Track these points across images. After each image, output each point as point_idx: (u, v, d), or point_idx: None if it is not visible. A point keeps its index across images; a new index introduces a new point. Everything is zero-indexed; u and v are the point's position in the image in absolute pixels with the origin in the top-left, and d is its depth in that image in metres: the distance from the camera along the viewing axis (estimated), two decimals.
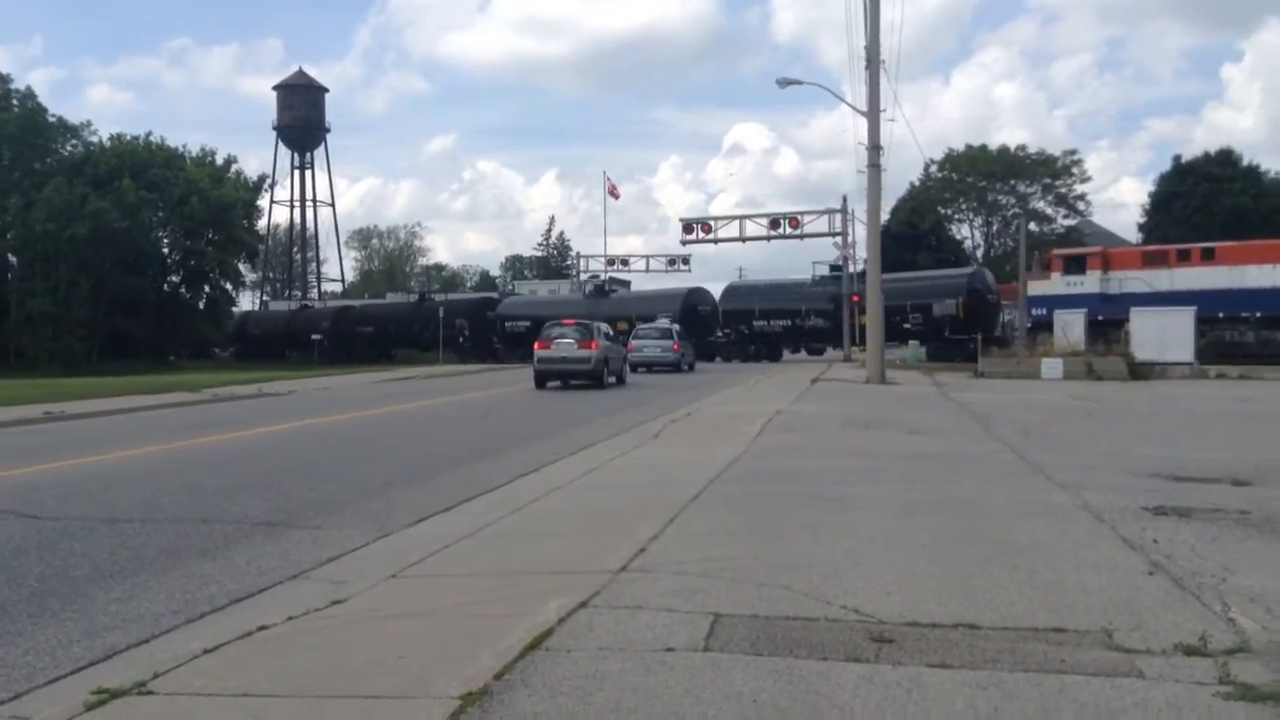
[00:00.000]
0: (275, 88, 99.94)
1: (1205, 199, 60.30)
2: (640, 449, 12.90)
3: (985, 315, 44.90)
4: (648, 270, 67.94)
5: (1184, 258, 37.89)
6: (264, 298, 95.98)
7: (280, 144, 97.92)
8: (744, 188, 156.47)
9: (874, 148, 29.41)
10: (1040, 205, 72.68)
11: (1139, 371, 30.57)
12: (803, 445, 12.75)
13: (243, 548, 7.45)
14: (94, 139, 67.18)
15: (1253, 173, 63.10)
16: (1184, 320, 32.80)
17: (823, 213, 56.61)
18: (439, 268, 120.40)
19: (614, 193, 75.37)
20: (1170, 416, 18.50)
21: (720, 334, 56.25)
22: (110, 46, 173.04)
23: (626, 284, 72.47)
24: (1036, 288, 40.57)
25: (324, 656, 4.61)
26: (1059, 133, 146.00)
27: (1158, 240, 53.67)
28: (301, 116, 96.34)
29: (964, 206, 75.08)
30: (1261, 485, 9.31)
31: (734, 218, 60.69)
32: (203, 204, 62.45)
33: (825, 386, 27.11)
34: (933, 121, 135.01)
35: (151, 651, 4.95)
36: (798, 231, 57.09)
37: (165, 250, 66.44)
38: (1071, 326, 35.47)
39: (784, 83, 33.54)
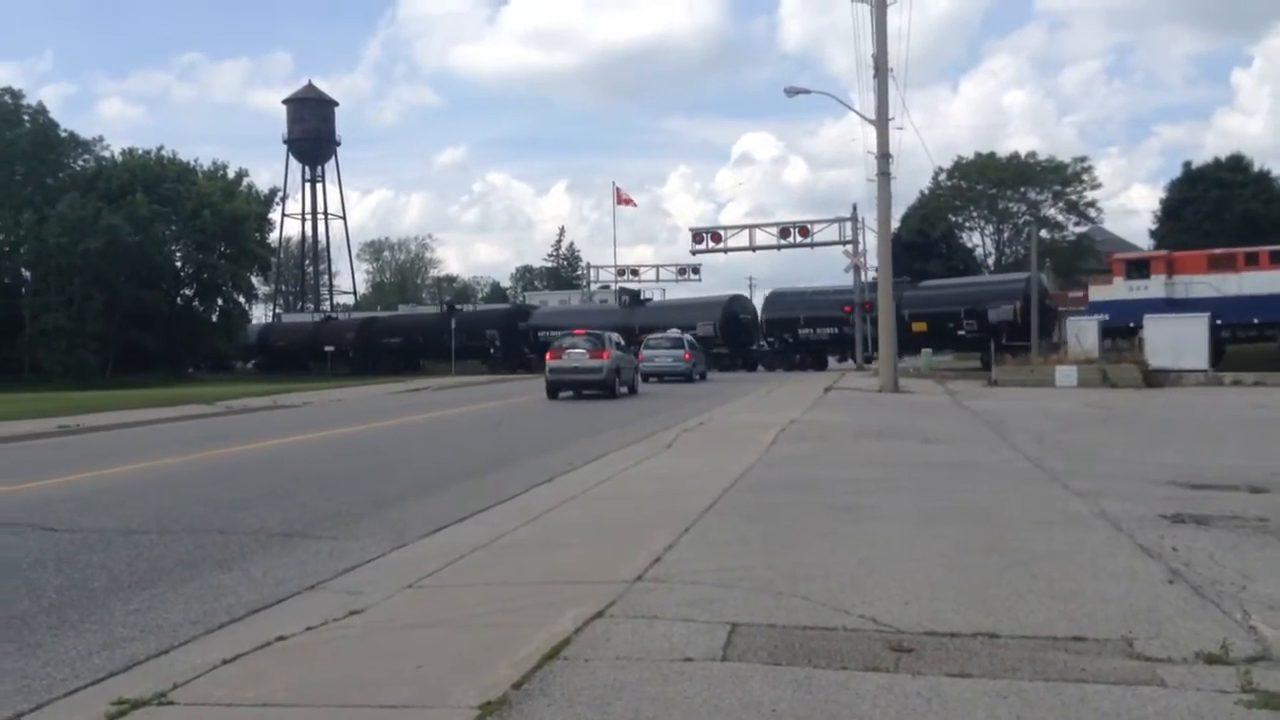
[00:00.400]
0: (285, 101, 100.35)
1: (1216, 205, 60.05)
2: (653, 459, 12.90)
3: (1043, 321, 43.81)
4: (658, 280, 67.93)
5: (1252, 261, 36.93)
6: (276, 310, 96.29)
7: (291, 157, 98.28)
8: (753, 197, 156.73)
9: (883, 156, 29.37)
10: (1051, 212, 72.43)
11: (1153, 379, 30.44)
12: (817, 454, 12.73)
13: (259, 559, 7.47)
14: (106, 154, 67.57)
15: (1264, 178, 62.79)
16: (1198, 327, 32.63)
17: (833, 221, 56.58)
18: (450, 279, 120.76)
19: (628, 201, 75.34)
20: (1186, 424, 18.41)
21: (764, 343, 55.35)
22: (122, 61, 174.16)
23: (637, 293, 72.44)
24: (1099, 293, 39.73)
25: (342, 666, 4.62)
26: (1069, 139, 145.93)
27: (1171, 246, 53.44)
28: (312, 130, 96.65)
29: (974, 214, 74.93)
30: (1279, 492, 9.25)
31: (744, 227, 60.58)
32: (215, 217, 62.69)
33: (838, 395, 27.06)
34: (942, 129, 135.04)
35: (170, 662, 4.97)
36: (808, 240, 57.02)
37: (178, 264, 66.64)
38: (1085, 333, 35.32)
39: (792, 91, 33.54)
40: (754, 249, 58.99)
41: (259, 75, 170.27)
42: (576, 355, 28.23)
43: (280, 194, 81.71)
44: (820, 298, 54.08)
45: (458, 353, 60.46)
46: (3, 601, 6.26)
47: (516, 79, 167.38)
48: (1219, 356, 34.78)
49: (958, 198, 73.60)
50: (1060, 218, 72.61)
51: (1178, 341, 31.96)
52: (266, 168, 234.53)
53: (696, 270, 65.27)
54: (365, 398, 32.77)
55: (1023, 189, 72.57)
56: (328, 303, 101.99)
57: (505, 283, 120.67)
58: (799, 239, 57.11)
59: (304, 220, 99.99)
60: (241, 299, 71.43)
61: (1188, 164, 66.58)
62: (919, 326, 47.11)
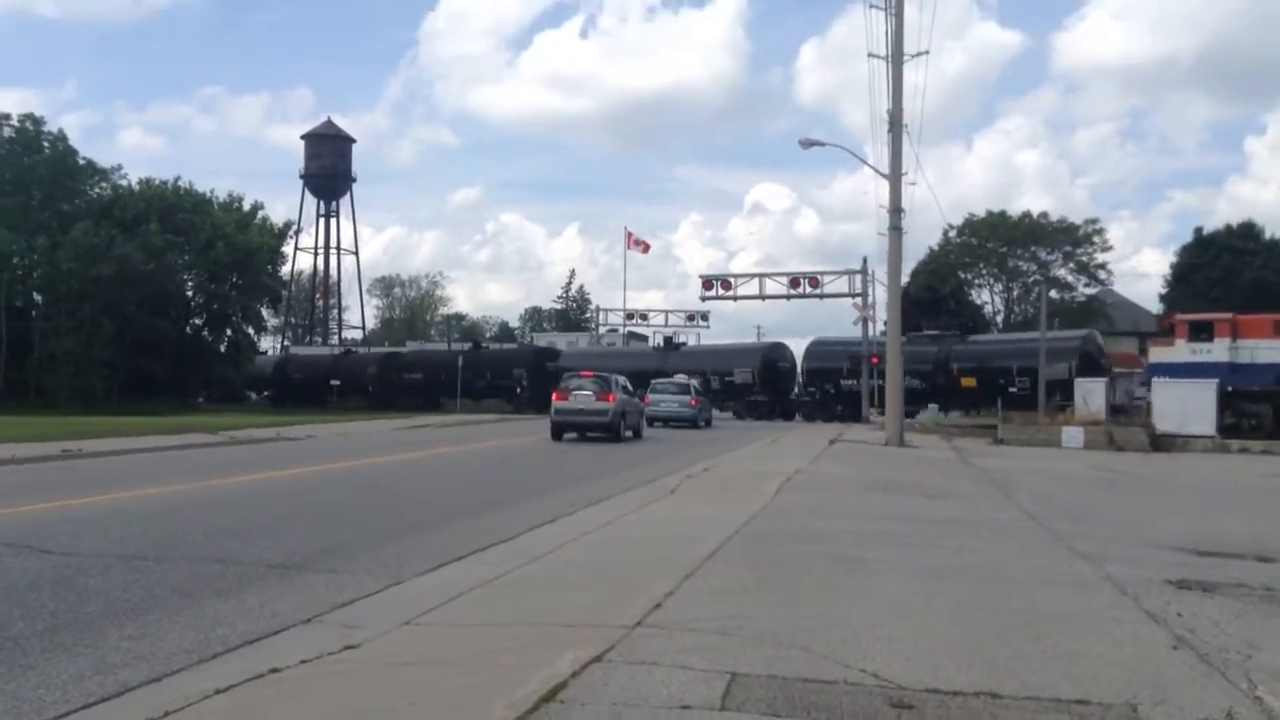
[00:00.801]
0: (303, 137, 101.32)
1: (1226, 271, 60.16)
2: (656, 504, 12.84)
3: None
4: (666, 325, 68.01)
5: None
6: (285, 343, 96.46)
7: (306, 192, 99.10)
8: (764, 247, 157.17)
9: (895, 210, 29.52)
10: (1061, 273, 72.61)
11: (1160, 443, 30.30)
12: (821, 506, 12.66)
13: (256, 589, 7.42)
14: (123, 182, 68.12)
15: (1275, 246, 62.94)
16: (1206, 392, 32.47)
17: (843, 273, 56.73)
18: (459, 317, 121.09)
19: (643, 246, 75.56)
20: (1193, 489, 18.30)
21: (804, 393, 54.27)
22: (143, 92, 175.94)
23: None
24: (1160, 354, 38.71)
25: (336, 701, 4.57)
26: (1081, 201, 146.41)
27: (1181, 311, 53.48)
28: (328, 165, 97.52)
29: (984, 272, 75.13)
30: None
31: (754, 275, 60.79)
32: (228, 249, 63.04)
33: (844, 448, 26.97)
34: (955, 186, 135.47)
35: (162, 690, 4.93)
36: (817, 291, 57.17)
37: (189, 293, 66.97)
38: (1092, 395, 35.20)
39: (807, 144, 33.79)
40: (763, 298, 59.15)
41: (278, 110, 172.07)
42: (583, 397, 28.21)
43: (294, 228, 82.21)
44: (870, 349, 51.67)
45: (482, 391, 59.80)
46: None
47: (534, 122, 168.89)
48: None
49: (968, 255, 73.82)
50: (1070, 278, 72.77)
51: (1185, 406, 31.80)
52: (282, 201, 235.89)
53: (705, 317, 65.44)
54: (370, 433, 32.73)
55: (1033, 248, 72.79)
56: (336, 337, 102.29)
57: (514, 323, 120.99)
58: (809, 289, 57.24)
59: (316, 254, 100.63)
60: (251, 330, 71.64)
61: (1199, 230, 66.85)
62: (968, 381, 46.57)
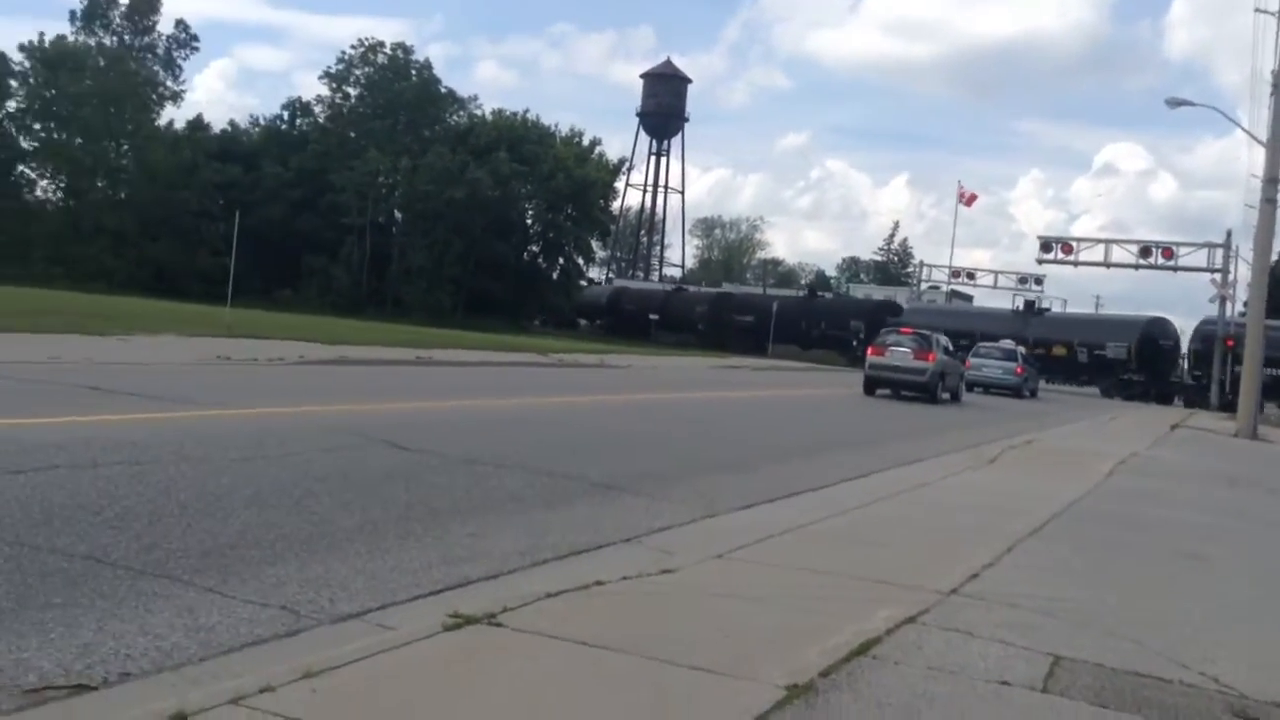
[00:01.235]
0: (642, 75, 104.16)
1: None
2: (973, 471, 12.40)
3: None
4: (995, 286, 64.93)
5: None
6: (610, 275, 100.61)
7: (641, 130, 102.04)
8: (1111, 211, 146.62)
9: (1271, 180, 26.57)
10: None
11: None
12: (1158, 493, 11.76)
13: (582, 505, 7.85)
14: (478, 112, 73.01)
15: None
16: None
17: (1201, 246, 51.86)
18: (775, 263, 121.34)
19: (968, 200, 72.42)
20: None
21: (1189, 376, 49.69)
22: (501, 26, 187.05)
23: (969, 298, 69.62)
24: None
25: (655, 620, 4.77)
26: None
27: None
28: (664, 105, 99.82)
29: None
30: None
31: (1099, 240, 56.83)
32: (567, 181, 66.35)
33: (1186, 434, 24.87)
34: None
35: (499, 587, 5.29)
36: (1170, 263, 52.61)
37: (529, 221, 71.12)
38: None
39: (1174, 103, 30.94)
40: (1108, 265, 55.14)
41: (621, 48, 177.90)
42: (900, 354, 27.50)
43: (627, 164, 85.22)
44: (1220, 329, 47.11)
45: (815, 340, 58.45)
46: (359, 507, 6.89)
47: (870, 67, 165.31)
48: None
49: None
50: None
51: None
52: (616, 137, 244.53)
53: (1039, 281, 61.82)
54: (685, 368, 33.64)
55: None
56: (657, 273, 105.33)
57: (830, 271, 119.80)
58: (1160, 261, 52.76)
59: (645, 192, 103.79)
60: (580, 260, 75.20)
61: None
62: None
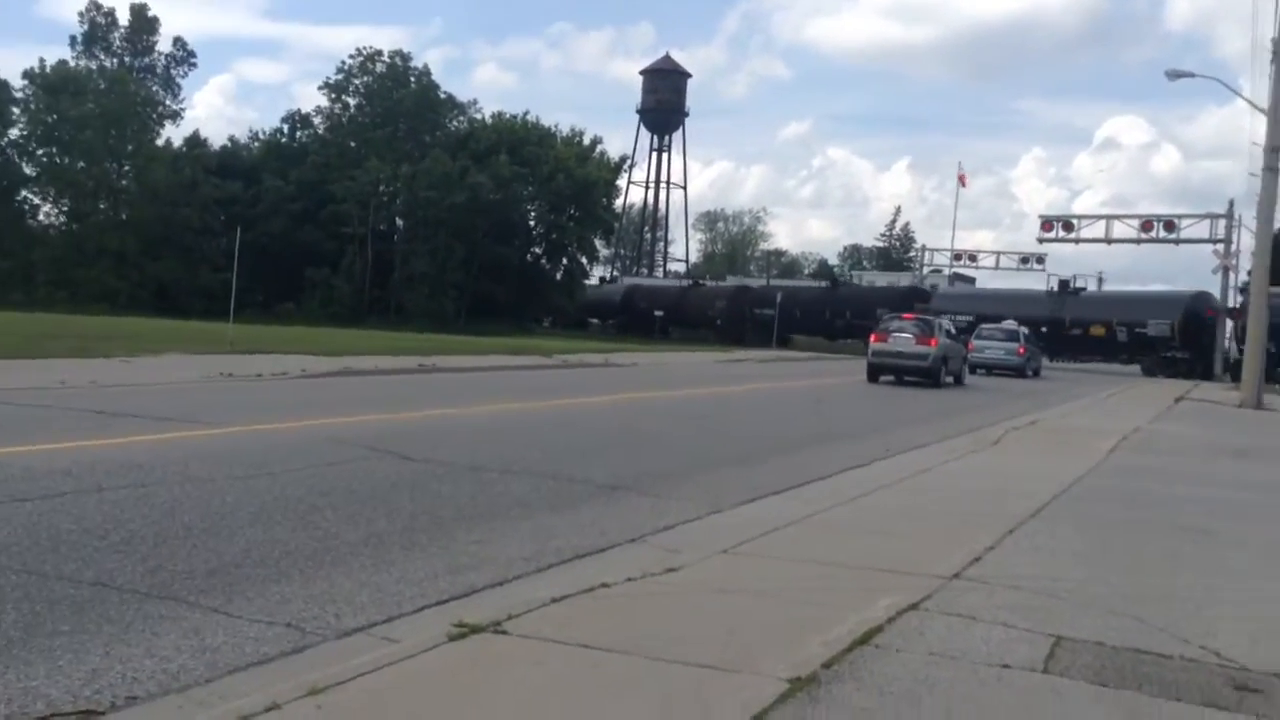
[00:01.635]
0: (642, 72, 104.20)
1: None
2: (976, 454, 12.42)
3: None
4: (997, 268, 64.67)
5: None
6: (614, 273, 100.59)
7: (641, 126, 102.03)
8: (1114, 186, 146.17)
9: (1273, 149, 26.51)
10: None
11: None
12: (1162, 468, 11.77)
13: (587, 507, 7.90)
14: (478, 116, 73.11)
15: None
16: None
17: (1203, 217, 51.68)
18: (779, 253, 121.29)
19: (962, 181, 72.39)
20: None
21: (1236, 350, 46.65)
22: (500, 28, 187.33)
23: (971, 280, 69.42)
24: None
25: (659, 620, 4.81)
26: None
27: None
28: (664, 100, 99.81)
29: None
30: None
31: (1100, 217, 56.67)
32: (568, 181, 66.38)
33: (1190, 407, 24.85)
34: None
35: (505, 594, 5.34)
36: (1172, 236, 52.38)
37: (531, 223, 71.16)
38: None
39: (1174, 75, 30.91)
40: (1109, 241, 55.01)
41: (620, 45, 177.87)
42: (902, 339, 27.52)
43: (629, 162, 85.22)
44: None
45: (840, 330, 57.34)
46: (365, 519, 6.95)
47: (870, 53, 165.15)
48: None
49: None
50: None
51: None
52: (617, 134, 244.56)
53: (1041, 260, 61.60)
54: (689, 364, 33.67)
55: None
56: (661, 269, 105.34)
57: (833, 260, 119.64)
58: (1162, 234, 52.58)
59: (647, 188, 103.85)
60: (584, 260, 75.20)
61: None
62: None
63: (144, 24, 69.73)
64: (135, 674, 3.98)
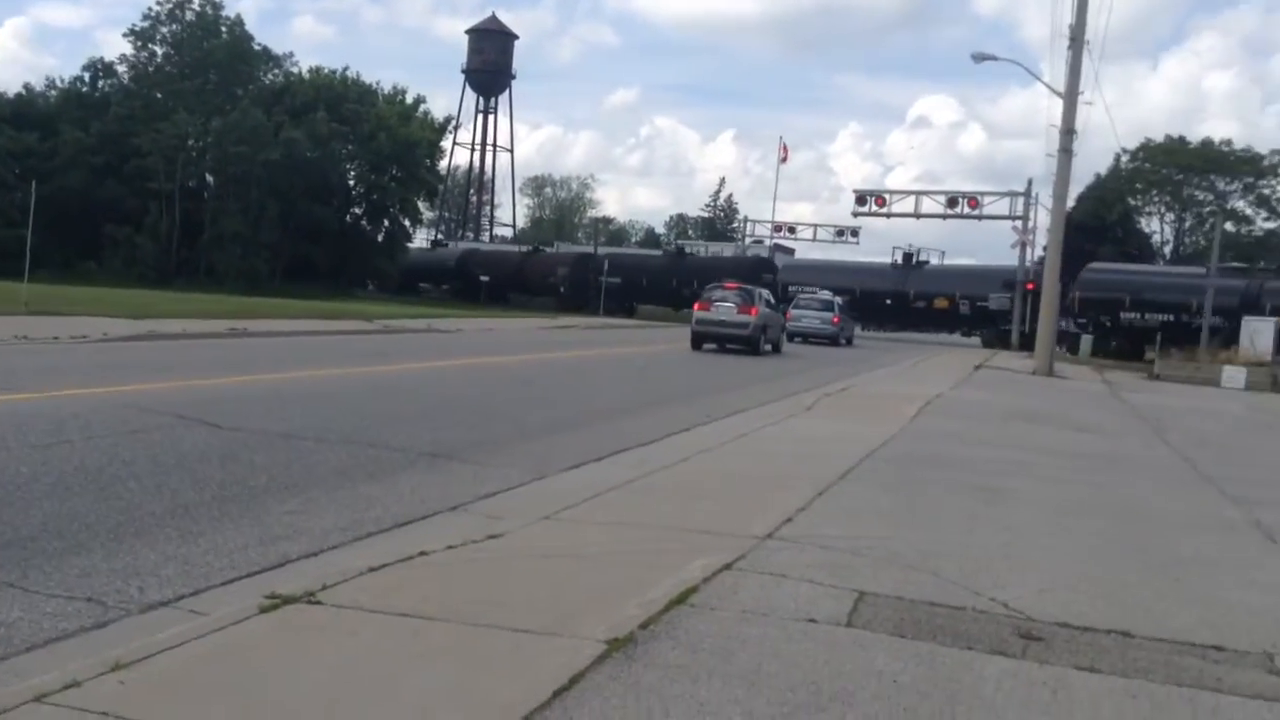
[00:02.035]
0: (467, 31, 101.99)
1: None
2: (792, 419, 12.87)
3: None
4: (814, 239, 67.01)
5: None
6: (438, 236, 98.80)
7: (467, 87, 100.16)
8: (924, 162, 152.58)
9: (1067, 132, 28.27)
10: (1240, 205, 68.43)
11: None
12: (961, 432, 12.48)
13: (407, 475, 7.81)
14: (294, 70, 70.29)
15: None
16: None
17: (1004, 194, 54.79)
18: (607, 221, 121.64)
19: (784, 154, 74.28)
20: None
21: (1074, 324, 48.20)
22: None
23: (791, 251, 71.34)
24: None
25: (479, 587, 4.82)
26: (1270, 129, 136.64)
27: None
28: (490, 61, 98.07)
29: (1155, 199, 71.24)
30: None
31: (910, 193, 59.35)
32: (390, 140, 64.67)
33: (988, 374, 26.38)
34: (1133, 108, 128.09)
35: (320, 564, 5.24)
36: (976, 212, 55.42)
37: (351, 183, 69.09)
38: (1260, 335, 33.35)
39: (979, 58, 32.54)
40: (918, 216, 57.72)
41: (446, 3, 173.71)
42: (725, 309, 28.17)
43: (454, 123, 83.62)
44: (1158, 281, 47.29)
45: (686, 300, 56.25)
46: (170, 490, 6.68)
47: (697, 24, 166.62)
48: None
49: (1139, 181, 70.05)
50: (1249, 211, 68.52)
51: None
52: (442, 94, 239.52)
53: (855, 233, 64.07)
54: (516, 330, 33.53)
55: (1211, 177, 68.59)
56: (488, 234, 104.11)
57: (660, 229, 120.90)
58: (967, 210, 55.44)
59: (473, 150, 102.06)
60: (407, 222, 73.55)
61: None
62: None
63: None
64: None
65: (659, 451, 9.65)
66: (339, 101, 65.06)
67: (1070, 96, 28.16)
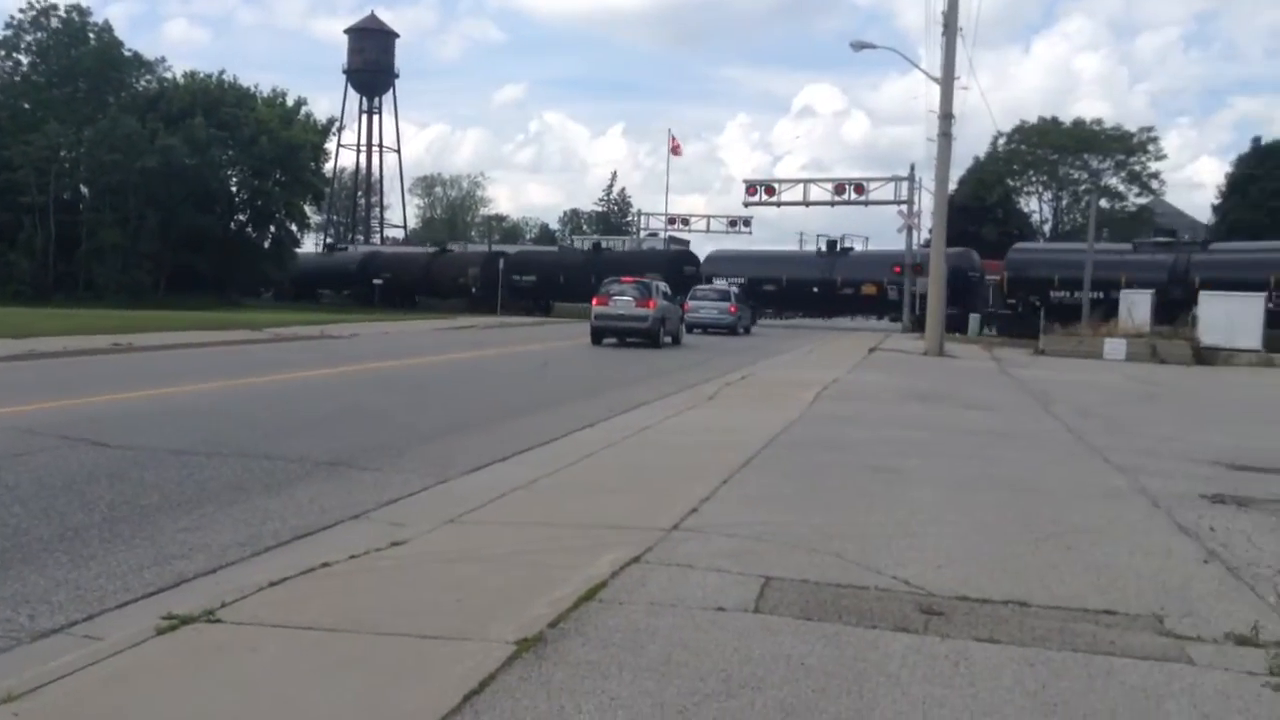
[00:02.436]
0: (346, 31, 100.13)
1: None
2: (694, 410, 12.96)
3: None
4: (708, 231, 67.51)
5: None
6: (327, 240, 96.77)
7: (349, 88, 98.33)
8: (811, 151, 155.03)
9: (945, 116, 29.00)
10: (1113, 182, 71.18)
11: (1204, 356, 29.94)
12: (858, 415, 12.74)
13: (305, 486, 7.65)
14: (168, 75, 68.04)
15: None
16: (1253, 306, 31.99)
17: (889, 180, 55.86)
18: (500, 218, 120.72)
19: (676, 149, 74.60)
20: (1234, 404, 18.18)
21: (1003, 306, 48.12)
22: None
23: (686, 243, 71.77)
24: None
25: (384, 595, 4.75)
26: (1139, 108, 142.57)
27: (1233, 223, 52.26)
28: (372, 61, 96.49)
29: (1033, 179, 73.72)
30: None
31: (798, 181, 60.08)
32: (272, 144, 63.03)
33: (883, 356, 26.97)
34: (1008, 91, 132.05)
35: (218, 581, 5.12)
36: (863, 198, 56.39)
37: (233, 189, 67.21)
38: (1138, 307, 34.72)
39: (858, 46, 33.11)
40: (807, 204, 58.52)
41: (323, 2, 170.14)
42: (623, 303, 28.29)
43: (337, 124, 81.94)
44: (1085, 258, 46.29)
45: None
46: (58, 513, 6.45)
47: (580, 18, 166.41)
48: None
49: (1016, 162, 72.36)
50: (1121, 188, 71.33)
51: (1232, 320, 31.33)
52: (325, 96, 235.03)
53: (748, 223, 64.69)
54: (414, 333, 33.08)
55: (1085, 156, 71.21)
56: (378, 235, 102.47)
57: (554, 225, 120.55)
58: (854, 196, 56.46)
59: (359, 152, 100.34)
60: (294, 227, 71.85)
61: (1257, 139, 65.01)
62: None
63: None
64: None
65: (563, 449, 9.64)
66: (216, 106, 63.16)
67: (947, 82, 28.90)
